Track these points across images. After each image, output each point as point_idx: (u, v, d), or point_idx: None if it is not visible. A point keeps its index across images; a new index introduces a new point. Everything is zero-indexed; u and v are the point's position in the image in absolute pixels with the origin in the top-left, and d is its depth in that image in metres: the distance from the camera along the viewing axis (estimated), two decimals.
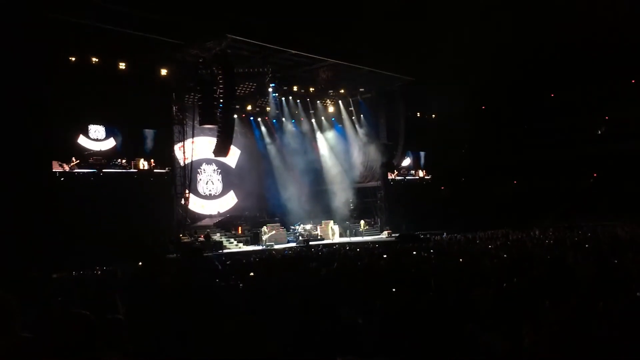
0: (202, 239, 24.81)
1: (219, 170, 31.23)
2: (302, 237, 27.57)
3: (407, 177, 35.29)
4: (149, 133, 23.92)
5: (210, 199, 30.71)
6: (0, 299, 3.15)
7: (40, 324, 4.55)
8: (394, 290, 7.36)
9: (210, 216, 30.03)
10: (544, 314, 5.20)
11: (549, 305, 5.34)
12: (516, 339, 4.69)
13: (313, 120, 34.08)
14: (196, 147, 27.48)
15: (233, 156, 30.94)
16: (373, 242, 24.08)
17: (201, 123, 25.30)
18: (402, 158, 34.41)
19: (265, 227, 27.71)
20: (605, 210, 31.13)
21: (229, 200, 31.45)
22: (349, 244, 23.70)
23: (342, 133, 34.35)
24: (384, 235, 30.62)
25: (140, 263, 15.49)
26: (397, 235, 28.09)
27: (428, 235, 24.88)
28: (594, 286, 6.75)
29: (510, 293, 6.83)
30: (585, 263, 8.94)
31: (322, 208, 31.64)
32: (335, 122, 34.47)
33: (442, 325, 5.62)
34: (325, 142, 34.38)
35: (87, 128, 22.31)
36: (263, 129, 33.04)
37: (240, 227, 28.87)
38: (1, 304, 3.13)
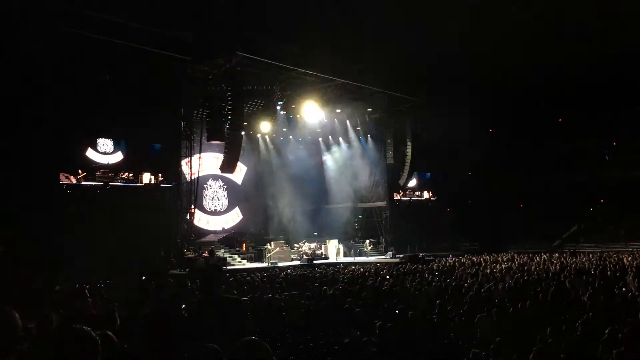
0: (206, 254, 24.75)
1: (225, 187, 31.26)
2: (306, 256, 27.47)
3: (412, 198, 35.21)
4: (156, 147, 24.03)
5: (216, 215, 30.70)
6: (3, 312, 3.15)
7: (41, 337, 4.54)
8: (397, 311, 7.32)
9: (215, 232, 29.98)
10: (549, 339, 5.15)
11: (554, 331, 5.29)
12: None
13: (320, 139, 34.19)
14: (203, 163, 27.55)
15: (239, 173, 30.99)
16: (377, 263, 23.98)
17: (209, 139, 25.38)
18: (408, 179, 34.37)
19: (269, 244, 27.65)
20: (611, 236, 30.95)
21: (234, 217, 31.44)
22: (353, 263, 23.60)
23: (349, 152, 34.40)
24: (388, 255, 30.49)
25: (143, 277, 15.48)
26: (401, 256, 27.96)
27: (432, 257, 24.78)
28: (600, 312, 6.69)
29: (515, 318, 6.77)
30: (590, 289, 8.88)
31: (326, 227, 31.60)
32: (342, 141, 34.55)
33: (445, 349, 5.57)
34: (331, 161, 34.44)
35: (96, 141, 22.45)
36: (270, 146, 33.14)
37: (244, 244, 28.80)
38: (4, 318, 3.12)
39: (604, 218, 34.25)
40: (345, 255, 29.99)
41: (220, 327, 3.88)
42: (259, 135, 32.61)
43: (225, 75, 24.02)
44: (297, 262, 26.56)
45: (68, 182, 21.08)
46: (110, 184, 22.10)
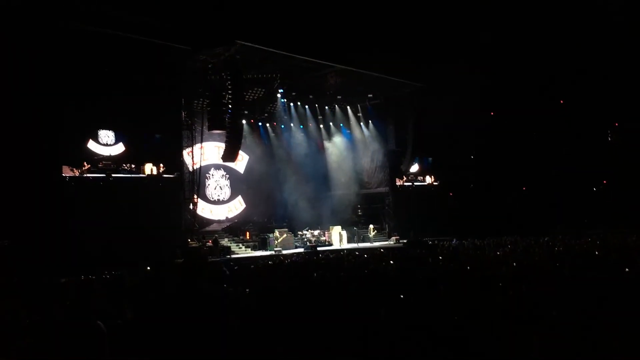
0: (210, 244, 24.85)
1: (228, 176, 31.28)
2: (310, 243, 27.54)
3: (415, 183, 35.18)
4: (157, 138, 24.00)
5: (219, 204, 30.76)
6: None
7: (47, 330, 4.56)
8: (401, 296, 7.34)
9: (218, 221, 30.07)
10: (553, 322, 5.16)
11: (558, 313, 5.30)
12: (525, 348, 4.66)
13: (321, 126, 34.18)
14: (205, 153, 27.57)
15: (241, 161, 31.02)
16: (381, 248, 24.02)
17: (210, 128, 25.40)
18: (410, 164, 34.33)
19: (275, 232, 27.74)
20: (616, 218, 30.86)
21: (237, 206, 31.49)
22: (357, 249, 23.65)
23: (350, 139, 34.41)
24: (391, 241, 30.59)
25: (148, 268, 15.53)
26: (404, 241, 27.98)
27: (436, 242, 24.77)
28: (603, 295, 6.70)
29: (519, 301, 6.78)
30: (594, 271, 8.88)
31: (330, 213, 31.64)
32: (344, 128, 34.52)
33: (449, 332, 5.58)
34: (333, 148, 34.43)
35: (97, 133, 22.41)
36: (271, 134, 33.12)
37: (248, 232, 28.90)
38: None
39: (607, 200, 34.18)
40: (348, 241, 30.08)
41: None
42: (260, 124, 32.58)
43: (224, 64, 23.96)
44: (301, 250, 26.68)
45: (71, 174, 21.08)
46: (112, 175, 22.10)
